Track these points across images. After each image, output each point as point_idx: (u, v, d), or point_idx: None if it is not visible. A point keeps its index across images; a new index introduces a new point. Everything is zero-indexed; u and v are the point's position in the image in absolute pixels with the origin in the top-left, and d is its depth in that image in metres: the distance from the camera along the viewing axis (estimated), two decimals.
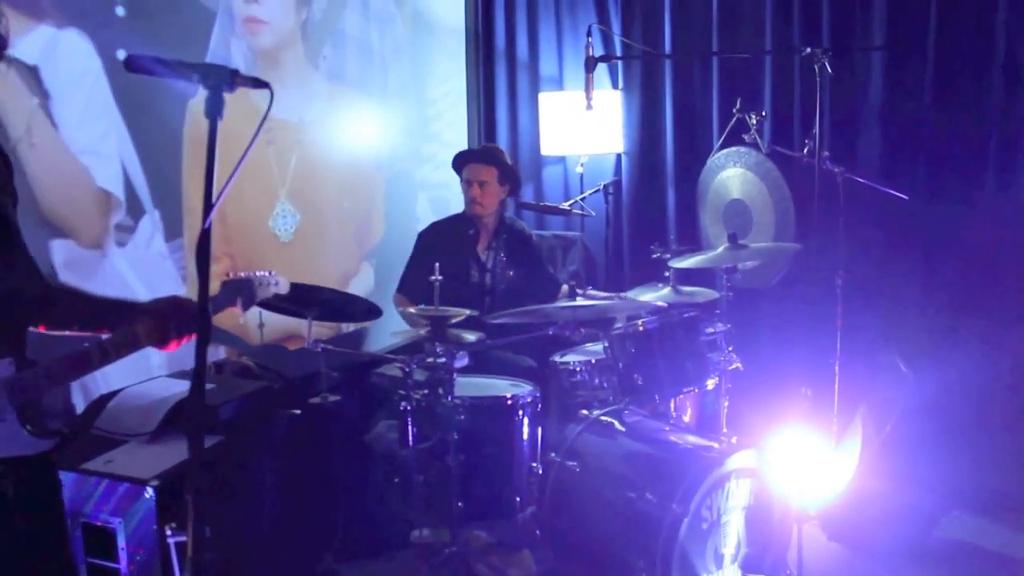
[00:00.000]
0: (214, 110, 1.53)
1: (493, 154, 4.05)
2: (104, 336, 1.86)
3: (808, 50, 3.50)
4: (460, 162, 4.04)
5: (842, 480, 3.61)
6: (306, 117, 4.02)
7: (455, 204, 4.31)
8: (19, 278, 1.80)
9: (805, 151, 3.91)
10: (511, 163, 4.11)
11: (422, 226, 4.28)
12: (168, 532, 1.82)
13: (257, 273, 2.18)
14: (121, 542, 2.54)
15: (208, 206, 1.50)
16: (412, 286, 3.99)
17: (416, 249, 4.10)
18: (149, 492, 2.46)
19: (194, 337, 1.85)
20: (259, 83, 1.60)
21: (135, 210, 3.42)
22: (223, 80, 1.54)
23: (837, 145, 4.24)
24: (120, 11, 3.32)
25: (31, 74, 3.03)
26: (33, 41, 3.04)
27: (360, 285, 4.64)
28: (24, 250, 1.82)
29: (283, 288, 2.21)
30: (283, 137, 3.98)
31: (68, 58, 3.16)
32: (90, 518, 2.58)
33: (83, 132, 3.20)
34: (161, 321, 1.90)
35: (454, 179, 4.09)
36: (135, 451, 2.72)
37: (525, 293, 4.05)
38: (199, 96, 3.63)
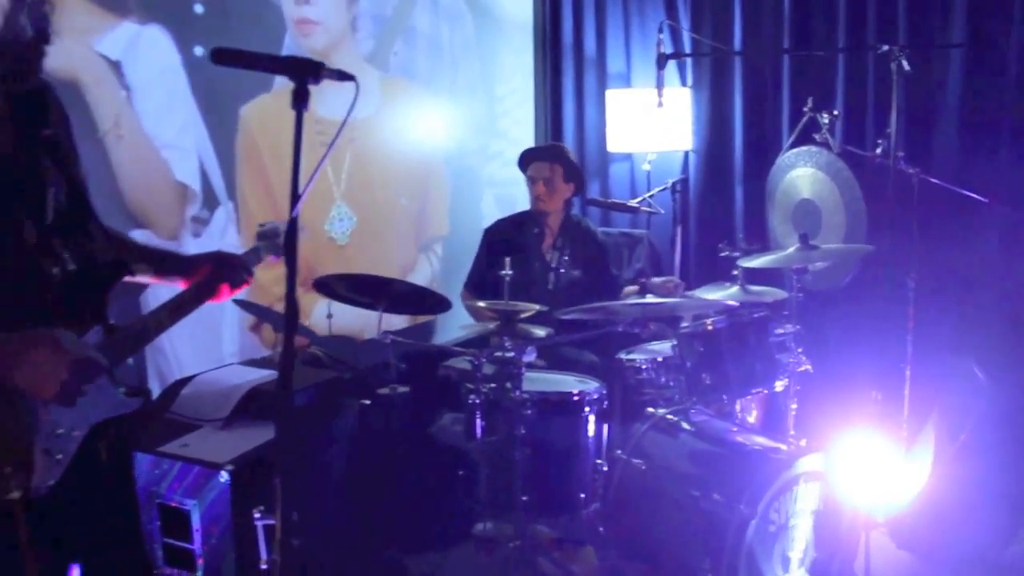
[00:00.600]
0: (300, 102, 1.56)
1: (558, 152, 4.05)
2: (166, 302, 1.95)
3: (885, 47, 3.43)
4: (525, 160, 4.05)
5: (913, 488, 3.54)
6: (358, 115, 4.07)
7: (521, 202, 4.33)
8: (96, 245, 1.84)
9: (878, 151, 3.84)
10: (576, 161, 4.11)
11: (488, 222, 4.30)
12: (256, 515, 1.86)
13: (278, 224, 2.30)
14: (196, 523, 2.61)
15: (295, 196, 1.53)
16: (478, 283, 4.02)
17: (482, 246, 4.13)
18: (224, 476, 2.52)
19: (242, 288, 2.09)
20: (344, 76, 1.62)
21: (210, 202, 3.50)
22: (309, 72, 1.56)
23: (912, 145, 4.15)
24: (199, 8, 3.39)
25: (115, 69, 3.11)
26: (117, 37, 3.13)
27: (418, 278, 4.69)
28: (95, 215, 1.87)
29: (306, 233, 2.31)
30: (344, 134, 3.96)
31: (149, 54, 3.25)
32: (166, 499, 2.66)
33: (163, 126, 3.29)
34: (213, 274, 2.03)
35: (521, 177, 4.11)
36: (209, 436, 2.79)
37: (588, 292, 4.06)
38: (253, 102, 3.73)
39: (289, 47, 3.82)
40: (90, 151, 1.90)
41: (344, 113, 1.61)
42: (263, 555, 2.40)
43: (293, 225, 1.55)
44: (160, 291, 2.09)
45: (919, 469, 3.57)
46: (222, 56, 1.60)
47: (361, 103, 1.63)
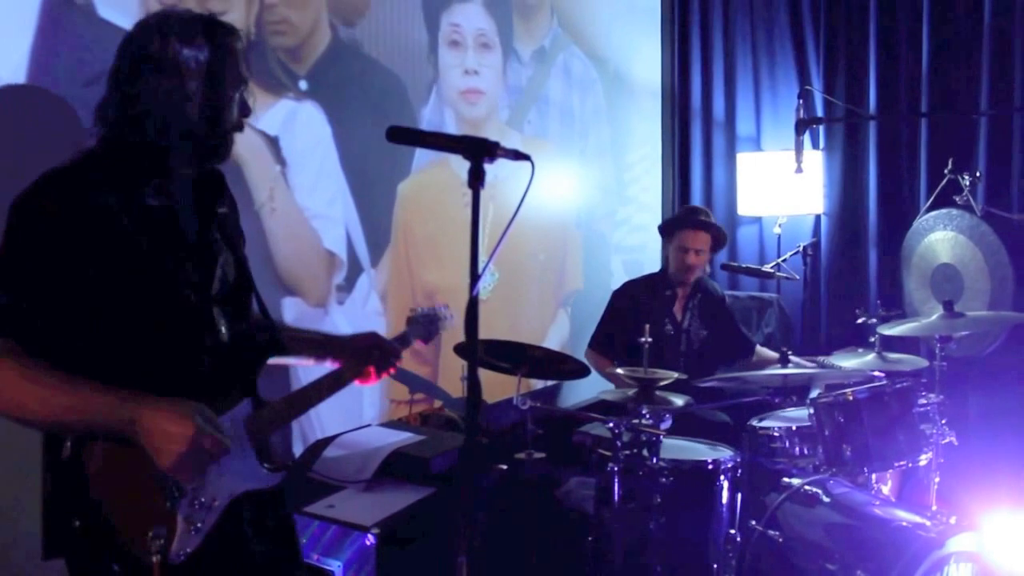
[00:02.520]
0: (476, 180, 1.57)
1: (711, 223, 4.01)
2: (314, 381, 2.01)
3: None
4: (680, 227, 4.01)
5: None
6: (500, 174, 4.17)
7: (648, 267, 4.35)
8: (253, 321, 1.93)
9: None
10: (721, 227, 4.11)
11: (616, 283, 4.34)
12: None
13: (438, 307, 2.35)
14: None
15: (475, 275, 1.57)
16: (604, 343, 4.04)
17: (609, 308, 4.15)
18: (370, 539, 2.59)
19: (389, 373, 2.13)
20: (520, 155, 1.64)
21: (354, 270, 3.66)
22: (484, 152, 1.58)
23: None
24: (303, 85, 3.51)
25: (272, 144, 3.31)
26: (275, 113, 3.33)
27: (557, 334, 4.75)
28: (256, 292, 1.93)
29: (451, 321, 2.38)
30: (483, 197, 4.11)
31: (305, 128, 3.44)
32: (310, 559, 2.75)
33: (314, 197, 3.46)
34: (364, 358, 2.08)
35: (650, 242, 4.13)
36: (353, 497, 2.88)
37: (719, 352, 4.04)
38: (409, 179, 3.88)
39: (430, 120, 3.98)
40: (246, 224, 2.00)
41: (488, 174, 1.61)
42: None
43: (474, 303, 1.59)
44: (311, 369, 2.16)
45: None
46: (397, 135, 1.63)
47: (502, 164, 1.63)
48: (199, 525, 1.72)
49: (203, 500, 1.73)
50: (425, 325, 2.32)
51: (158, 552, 1.63)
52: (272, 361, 1.97)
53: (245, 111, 1.79)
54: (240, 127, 1.79)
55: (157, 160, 1.71)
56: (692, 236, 3.94)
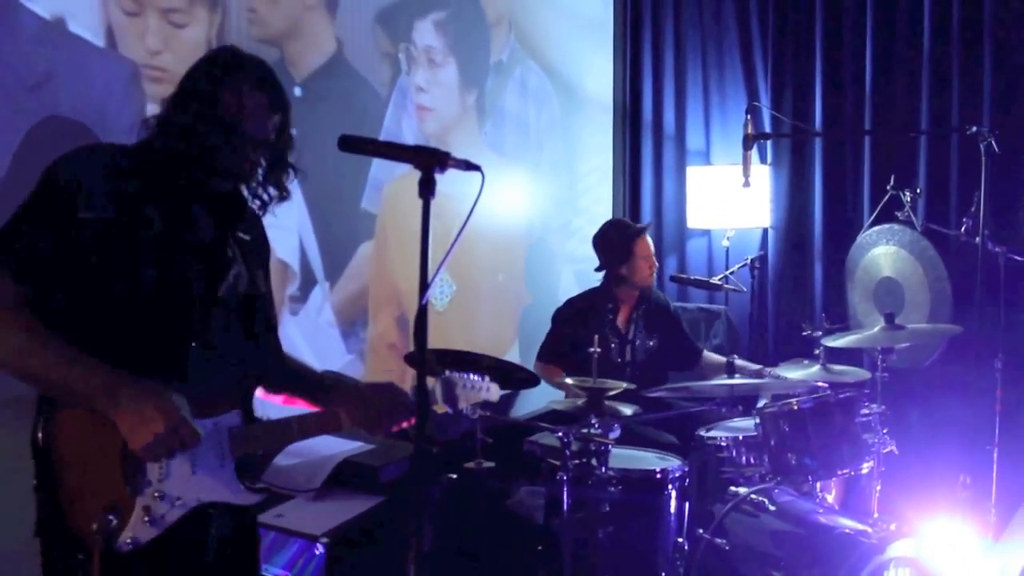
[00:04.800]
0: (427, 190, 1.60)
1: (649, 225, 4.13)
2: (311, 411, 1.98)
3: (974, 129, 3.44)
4: (633, 237, 4.05)
5: None
6: (466, 191, 4.17)
7: (599, 277, 4.39)
8: (261, 343, 1.97)
9: (963, 229, 3.83)
10: None
11: (565, 294, 4.37)
12: None
13: (471, 376, 2.13)
14: None
15: (424, 284, 1.59)
16: (552, 356, 4.07)
17: (554, 326, 4.17)
18: (319, 548, 2.59)
19: (404, 425, 1.99)
20: (471, 166, 1.67)
21: (308, 281, 3.64)
22: (435, 162, 1.60)
23: (997, 224, 4.13)
24: (297, 92, 3.57)
25: None
26: None
27: (512, 356, 4.77)
28: (274, 322, 2.02)
29: (493, 396, 2.15)
30: (447, 210, 4.15)
31: None
32: (259, 569, 2.73)
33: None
34: (375, 409, 1.96)
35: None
36: (302, 506, 2.87)
37: (667, 361, 4.09)
38: (394, 180, 3.89)
39: (388, 129, 4.00)
40: None
41: (455, 188, 1.66)
42: None
43: (423, 312, 1.61)
44: None
45: (1014, 560, 3.47)
46: (349, 143, 1.64)
47: (469, 180, 1.65)
48: (157, 518, 1.71)
49: (167, 494, 1.72)
50: (449, 389, 2.09)
51: (101, 533, 1.64)
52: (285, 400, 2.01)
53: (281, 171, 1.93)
54: (279, 181, 1.94)
55: (181, 168, 1.80)
56: (645, 241, 4.02)
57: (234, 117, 1.79)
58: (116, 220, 1.72)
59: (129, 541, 1.68)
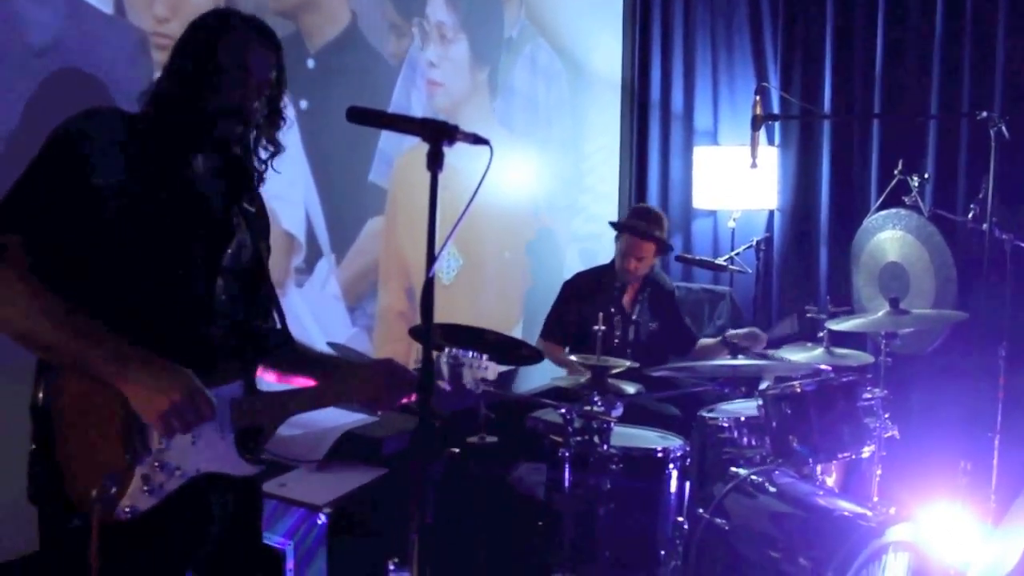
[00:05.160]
0: (435, 163, 1.57)
1: (654, 233, 3.96)
2: (314, 387, 1.97)
3: (984, 114, 3.42)
4: (621, 228, 4.03)
5: (1006, 564, 3.45)
6: (476, 166, 4.15)
7: (604, 256, 4.39)
8: (263, 316, 1.98)
9: (970, 216, 3.82)
10: (666, 235, 4.09)
11: (569, 272, 4.38)
12: (391, 567, 1.85)
13: (470, 354, 2.09)
14: (290, 563, 2.69)
15: (431, 258, 1.57)
16: (555, 333, 4.08)
17: (560, 297, 4.18)
18: (322, 518, 2.60)
19: (405, 402, 1.99)
20: (479, 140, 1.64)
21: (313, 253, 3.64)
22: (443, 135, 1.58)
23: (1006, 211, 4.11)
24: (311, 63, 3.56)
25: None
26: None
27: (517, 332, 4.78)
28: (273, 296, 2.00)
29: (491, 375, 2.10)
30: (455, 183, 4.14)
31: None
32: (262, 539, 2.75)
33: (273, 177, 3.42)
34: (375, 386, 1.95)
35: (605, 232, 4.16)
36: (305, 477, 2.89)
37: (666, 344, 4.09)
38: (405, 153, 3.89)
39: (397, 102, 3.99)
40: None
41: (466, 163, 1.64)
42: None
43: (430, 285, 1.59)
44: None
45: (1012, 546, 3.48)
46: (357, 115, 1.63)
47: (479, 156, 1.63)
48: (156, 487, 1.71)
49: (167, 463, 1.72)
50: (456, 367, 2.06)
51: (100, 501, 1.63)
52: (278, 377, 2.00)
53: (276, 121, 1.93)
54: (272, 137, 1.95)
55: (184, 132, 1.80)
56: (637, 244, 3.92)
57: (236, 56, 1.80)
58: (125, 185, 1.71)
59: (128, 509, 1.69)
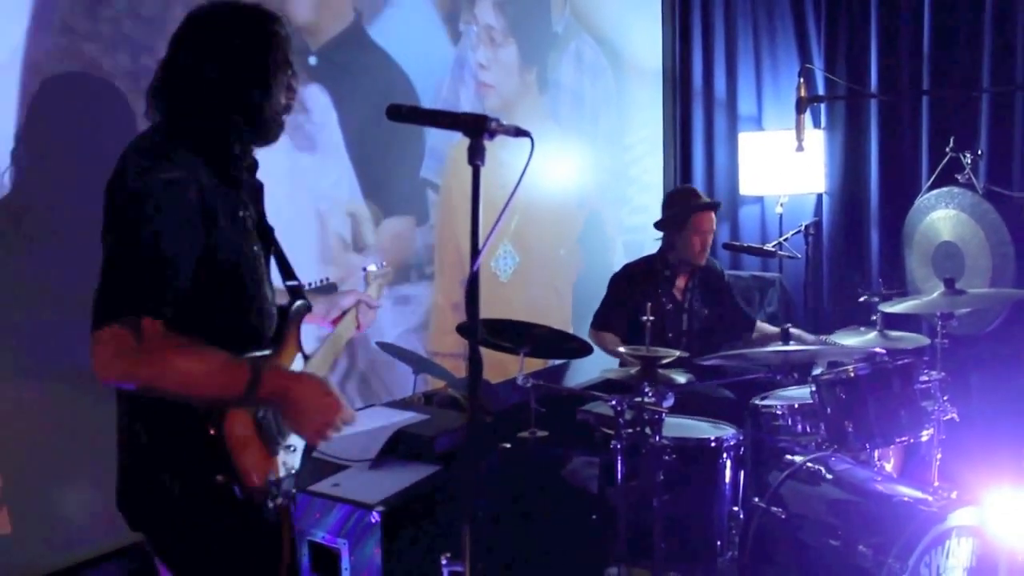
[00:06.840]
0: (476, 157, 1.59)
1: (715, 201, 4.03)
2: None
3: None
4: (695, 209, 3.96)
5: None
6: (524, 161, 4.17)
7: (649, 247, 4.35)
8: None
9: None
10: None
11: (618, 264, 4.35)
12: (443, 561, 1.88)
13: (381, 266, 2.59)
14: (345, 563, 2.71)
15: (475, 251, 1.59)
16: (606, 325, 4.05)
17: (610, 290, 4.15)
18: (375, 516, 2.62)
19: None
20: (520, 132, 1.64)
21: (358, 251, 3.67)
22: (484, 129, 1.59)
23: None
24: (312, 60, 3.51)
25: None
26: None
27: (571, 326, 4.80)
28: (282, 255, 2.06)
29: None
30: (503, 179, 4.15)
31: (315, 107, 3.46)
32: (316, 537, 2.77)
33: (320, 178, 3.47)
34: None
35: (650, 223, 4.12)
36: (358, 476, 2.90)
37: (720, 330, 4.06)
38: (459, 142, 3.91)
39: (447, 99, 4.02)
40: None
41: (520, 160, 1.62)
42: None
43: (475, 280, 1.60)
44: None
45: None
46: (397, 112, 1.65)
47: (520, 145, 1.63)
48: (290, 468, 1.85)
49: (288, 444, 1.84)
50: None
51: (276, 496, 1.77)
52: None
53: (291, 94, 1.89)
54: (288, 109, 1.89)
55: (223, 140, 1.79)
56: (707, 218, 3.92)
57: (273, 63, 1.80)
58: (204, 220, 1.70)
59: (289, 491, 1.85)
